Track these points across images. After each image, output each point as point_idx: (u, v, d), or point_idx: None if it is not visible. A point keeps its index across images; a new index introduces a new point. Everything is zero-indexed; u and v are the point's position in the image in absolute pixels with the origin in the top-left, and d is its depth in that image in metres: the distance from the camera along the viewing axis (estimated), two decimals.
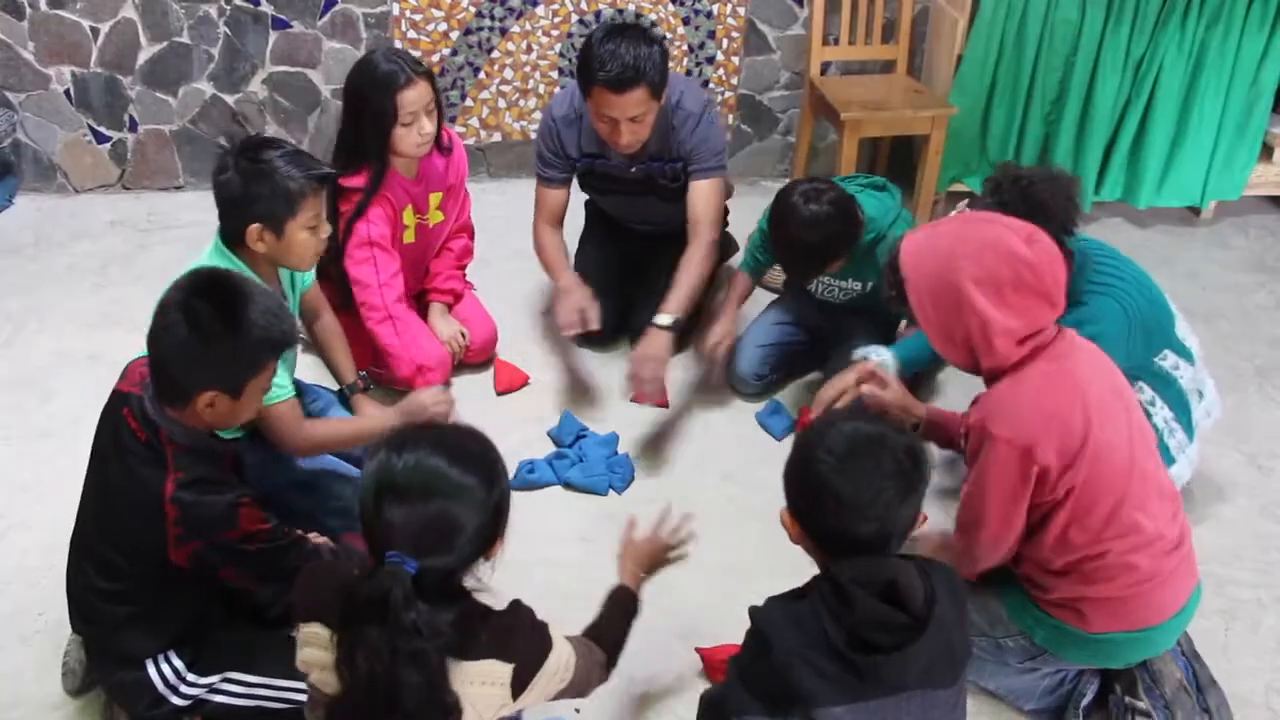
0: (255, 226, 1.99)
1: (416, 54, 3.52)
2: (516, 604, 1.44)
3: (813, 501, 1.41)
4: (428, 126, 2.44)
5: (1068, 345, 1.69)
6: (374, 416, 2.37)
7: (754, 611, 1.44)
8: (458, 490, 1.31)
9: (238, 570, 1.73)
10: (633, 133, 2.45)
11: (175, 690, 1.75)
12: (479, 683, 1.36)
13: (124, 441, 1.65)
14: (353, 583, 1.30)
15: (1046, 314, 1.64)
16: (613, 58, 2.32)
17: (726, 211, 3.06)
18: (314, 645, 1.38)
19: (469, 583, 1.39)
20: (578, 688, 1.52)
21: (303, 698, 1.77)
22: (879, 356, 2.35)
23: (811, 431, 1.45)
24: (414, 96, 2.39)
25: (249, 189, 1.97)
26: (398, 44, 3.53)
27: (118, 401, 1.70)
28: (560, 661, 1.45)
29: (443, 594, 1.32)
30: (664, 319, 2.52)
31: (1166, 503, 1.75)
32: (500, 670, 1.37)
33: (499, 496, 1.36)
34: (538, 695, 1.44)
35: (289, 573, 1.72)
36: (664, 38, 2.49)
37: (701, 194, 2.61)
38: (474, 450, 1.37)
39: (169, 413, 1.65)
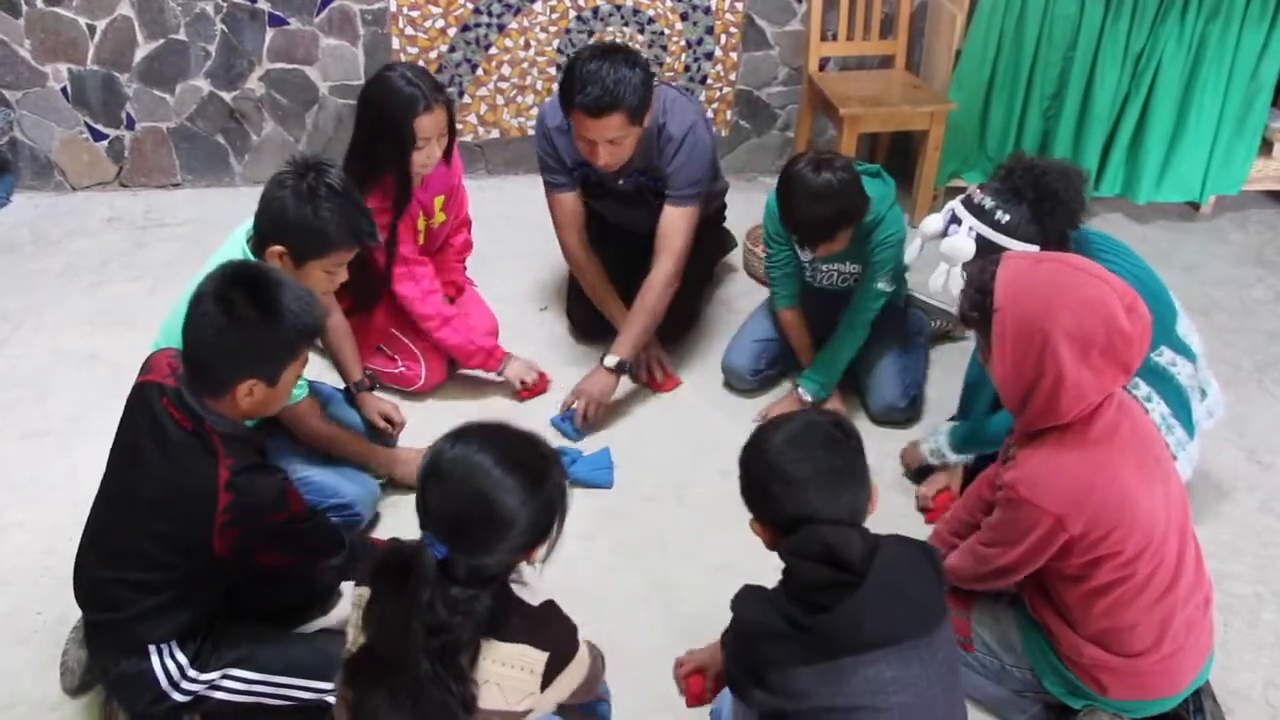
0: (279, 249, 2.00)
1: (414, 51, 3.53)
2: (551, 602, 1.50)
3: (765, 491, 1.50)
4: (436, 152, 2.45)
5: (1114, 411, 1.66)
6: (386, 454, 2.39)
7: (733, 598, 1.53)
8: (497, 487, 1.36)
9: (276, 550, 1.77)
10: (611, 154, 2.44)
11: (176, 686, 1.74)
12: (511, 665, 1.40)
13: (167, 431, 1.66)
14: (388, 550, 1.39)
15: (1120, 381, 1.62)
16: (592, 81, 2.31)
17: (723, 208, 3.07)
18: (358, 607, 1.43)
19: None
20: (590, 685, 1.57)
21: (302, 695, 1.80)
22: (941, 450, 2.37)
23: (750, 439, 1.57)
24: (430, 123, 2.39)
25: (290, 218, 1.98)
26: (395, 41, 3.52)
27: (151, 392, 1.70)
28: (583, 659, 1.51)
29: (475, 581, 1.36)
30: (611, 361, 2.58)
31: (1199, 569, 1.76)
32: (534, 656, 1.41)
33: (543, 503, 1.40)
34: (560, 691, 1.47)
35: (317, 550, 1.84)
36: (649, 61, 2.48)
37: (670, 220, 2.60)
38: (526, 455, 1.42)
39: (207, 403, 1.67)
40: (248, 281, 1.66)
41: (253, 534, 1.68)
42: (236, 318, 1.61)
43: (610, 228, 2.93)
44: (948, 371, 2.82)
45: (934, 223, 2.14)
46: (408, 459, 2.37)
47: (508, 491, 1.36)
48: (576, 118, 2.38)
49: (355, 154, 2.49)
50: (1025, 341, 1.59)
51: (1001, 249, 1.99)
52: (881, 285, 2.53)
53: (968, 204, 2.09)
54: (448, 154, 2.56)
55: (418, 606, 1.31)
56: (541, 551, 1.45)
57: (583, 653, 1.51)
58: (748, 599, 1.52)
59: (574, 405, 2.59)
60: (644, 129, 2.46)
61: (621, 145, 2.44)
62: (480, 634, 1.36)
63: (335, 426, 2.33)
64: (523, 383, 2.72)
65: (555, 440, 2.57)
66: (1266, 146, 3.65)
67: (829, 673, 1.39)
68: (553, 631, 1.46)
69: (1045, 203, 2.01)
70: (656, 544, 2.33)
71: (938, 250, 2.13)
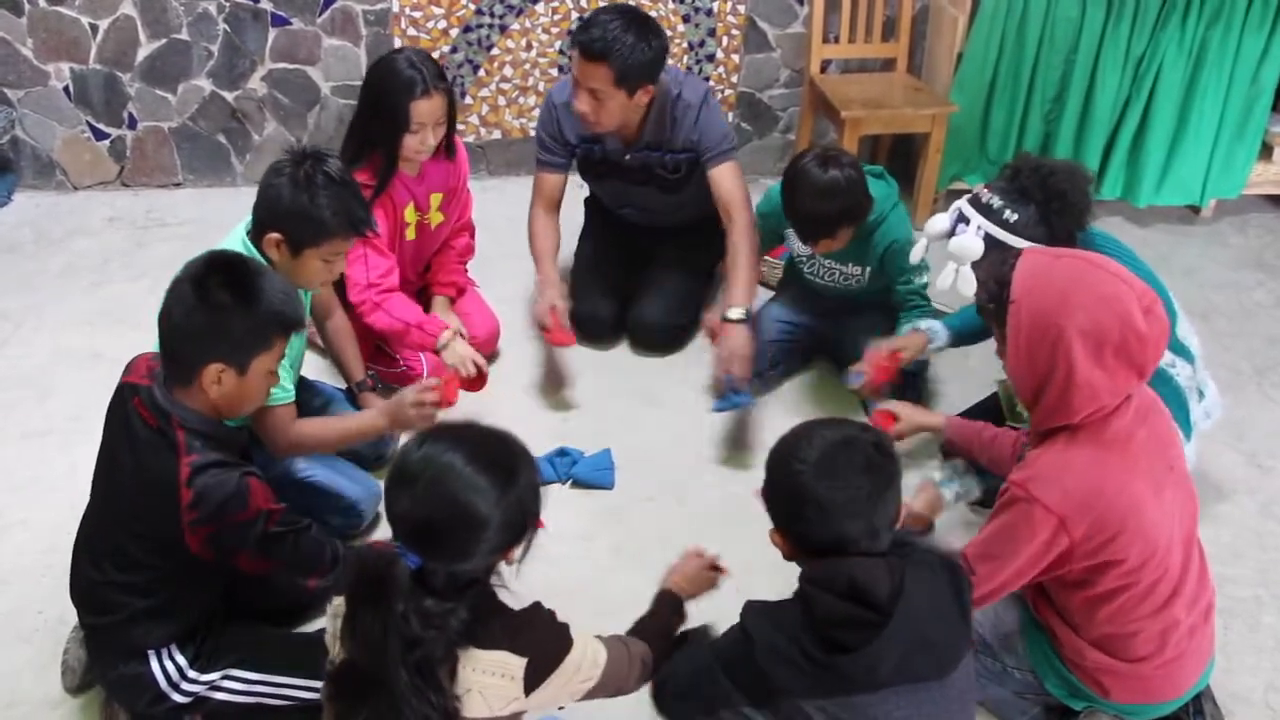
0: (276, 237, 1.99)
1: None
2: (537, 604, 1.45)
3: (796, 513, 1.42)
4: (431, 139, 2.44)
5: (1131, 417, 1.64)
6: (360, 415, 2.26)
7: (743, 610, 1.47)
8: (467, 488, 1.32)
9: (252, 555, 1.72)
10: (589, 105, 2.48)
11: (176, 687, 1.74)
12: (490, 673, 1.36)
13: (135, 430, 1.65)
14: (363, 560, 1.35)
15: (1132, 384, 1.61)
16: (597, 25, 2.38)
17: None
18: (336, 617, 1.40)
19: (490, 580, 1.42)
20: (611, 687, 1.52)
21: (303, 695, 1.79)
22: (927, 325, 2.40)
23: (782, 447, 1.47)
24: (427, 108, 2.39)
25: (286, 204, 1.97)
26: (397, 41, 3.53)
27: (126, 393, 1.70)
28: (581, 661, 1.46)
29: (453, 589, 1.34)
30: (735, 312, 2.52)
31: (1202, 577, 1.76)
32: (512, 663, 1.37)
33: (515, 502, 1.36)
34: (555, 693, 1.43)
35: (303, 560, 1.77)
36: (664, 43, 2.49)
37: (723, 179, 2.63)
38: (496, 453, 1.37)
39: (177, 394, 1.66)
40: (226, 267, 1.65)
41: (223, 534, 1.65)
42: (209, 300, 1.60)
43: (615, 224, 2.93)
44: (947, 372, 2.82)
45: (940, 222, 2.14)
46: (390, 403, 2.15)
47: (478, 491, 1.32)
48: (573, 53, 2.45)
49: (351, 131, 2.51)
50: (1039, 335, 1.59)
51: (1009, 248, 2.00)
52: (917, 282, 2.55)
53: (975, 203, 2.09)
54: (450, 149, 2.56)
55: (393, 620, 1.28)
56: (518, 552, 1.41)
57: (587, 656, 1.47)
58: (763, 618, 1.45)
59: (726, 375, 2.49)
60: (635, 101, 2.48)
61: (602, 103, 2.47)
62: (455, 647, 1.33)
63: (306, 424, 2.11)
64: (457, 372, 2.43)
65: (549, 444, 2.57)
66: (1266, 151, 3.66)
67: (842, 707, 1.35)
68: (535, 634, 1.41)
69: (1053, 203, 2.01)
70: (656, 544, 2.32)
71: (944, 250, 2.13)
